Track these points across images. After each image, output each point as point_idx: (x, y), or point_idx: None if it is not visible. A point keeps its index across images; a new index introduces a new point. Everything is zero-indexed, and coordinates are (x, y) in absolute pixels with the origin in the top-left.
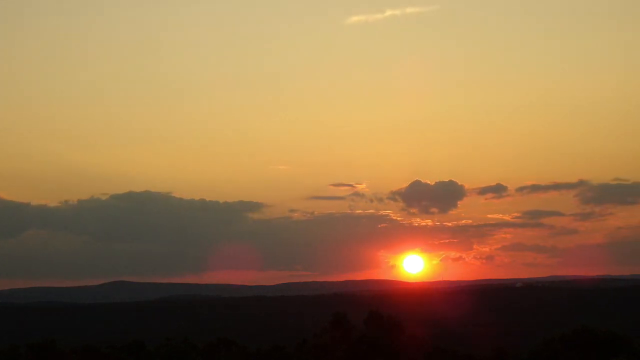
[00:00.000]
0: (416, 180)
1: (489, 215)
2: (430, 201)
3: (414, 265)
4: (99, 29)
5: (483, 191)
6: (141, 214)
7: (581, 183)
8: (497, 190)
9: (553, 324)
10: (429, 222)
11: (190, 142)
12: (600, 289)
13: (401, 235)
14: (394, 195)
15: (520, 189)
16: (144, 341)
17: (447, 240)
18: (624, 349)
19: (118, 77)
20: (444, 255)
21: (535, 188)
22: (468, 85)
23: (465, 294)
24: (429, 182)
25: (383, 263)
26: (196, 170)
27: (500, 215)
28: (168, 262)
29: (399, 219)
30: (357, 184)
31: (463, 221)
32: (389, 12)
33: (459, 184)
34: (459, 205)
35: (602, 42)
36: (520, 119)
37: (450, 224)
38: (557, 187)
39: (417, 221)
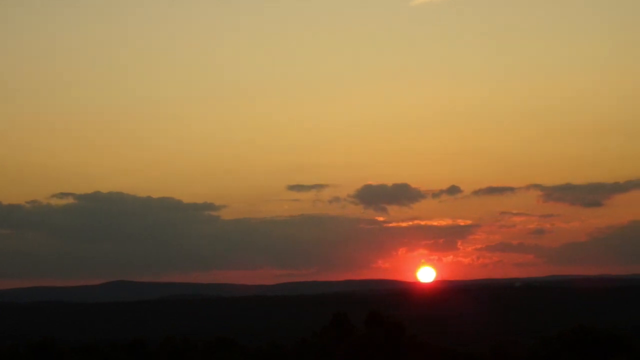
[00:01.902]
0: (367, 184)
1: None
2: (387, 202)
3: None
4: (55, 25)
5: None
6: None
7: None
8: (452, 192)
9: (552, 323)
10: (404, 224)
11: (158, 142)
12: (600, 289)
13: (383, 237)
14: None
15: (476, 192)
16: (145, 341)
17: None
18: (624, 349)
19: (93, 77)
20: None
21: (491, 190)
22: (432, 88)
23: (464, 293)
24: (386, 183)
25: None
26: (161, 169)
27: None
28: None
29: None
30: (319, 185)
31: (435, 222)
32: None
33: (413, 186)
34: (413, 207)
35: (555, 49)
36: (471, 123)
37: (423, 224)
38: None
39: (395, 222)
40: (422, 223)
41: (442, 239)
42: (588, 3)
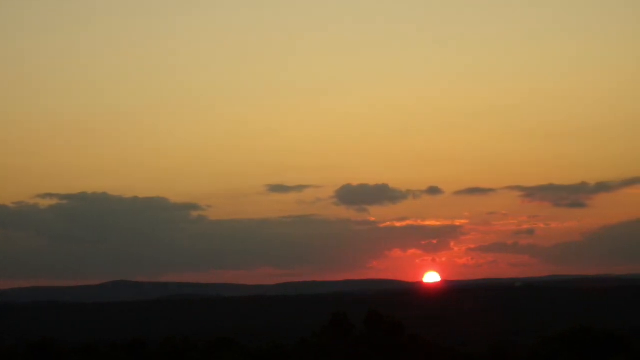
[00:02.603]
0: (347, 184)
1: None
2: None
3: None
4: (39, 27)
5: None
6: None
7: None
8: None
9: (552, 323)
10: (398, 224)
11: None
12: (600, 289)
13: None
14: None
15: (457, 193)
16: (145, 341)
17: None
18: (623, 349)
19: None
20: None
21: (472, 191)
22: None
23: (463, 293)
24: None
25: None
26: (147, 169)
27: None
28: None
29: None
30: (301, 185)
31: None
32: None
33: (392, 187)
34: (395, 207)
35: (531, 49)
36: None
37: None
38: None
39: (388, 223)
40: (413, 223)
41: (435, 240)
42: (557, 3)
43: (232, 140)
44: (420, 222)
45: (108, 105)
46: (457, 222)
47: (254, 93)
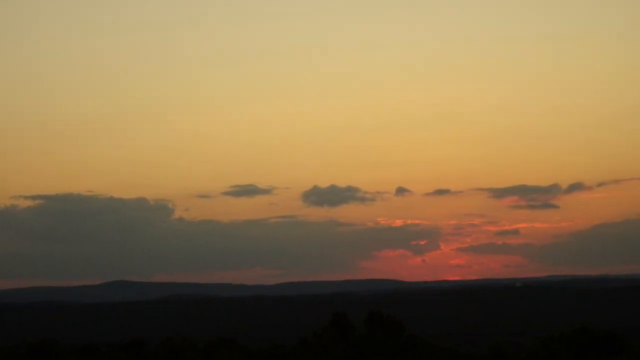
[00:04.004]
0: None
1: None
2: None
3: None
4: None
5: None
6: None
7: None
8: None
9: (552, 323)
10: (383, 223)
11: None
12: (600, 289)
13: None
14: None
15: (427, 194)
16: (145, 341)
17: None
18: (623, 349)
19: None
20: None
21: (441, 192)
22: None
23: (464, 293)
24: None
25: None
26: (128, 170)
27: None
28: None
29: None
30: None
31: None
32: None
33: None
34: (374, 208)
35: (496, 51)
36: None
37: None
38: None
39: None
40: (392, 224)
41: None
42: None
43: (197, 144)
44: (399, 223)
45: (91, 106)
46: (440, 224)
47: (226, 98)
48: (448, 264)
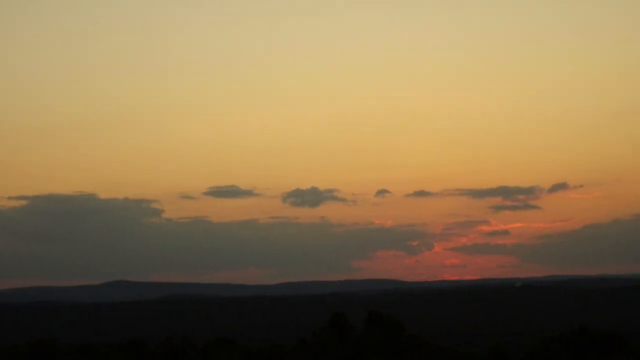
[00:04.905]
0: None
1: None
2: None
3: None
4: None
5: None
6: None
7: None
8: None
9: (552, 323)
10: (376, 222)
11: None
12: (600, 289)
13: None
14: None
15: (407, 195)
16: (144, 341)
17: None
18: (623, 349)
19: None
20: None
21: (421, 193)
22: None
23: (463, 293)
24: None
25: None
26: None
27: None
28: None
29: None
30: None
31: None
32: None
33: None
34: (356, 209)
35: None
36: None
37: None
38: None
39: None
40: (378, 225)
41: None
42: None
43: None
44: (390, 224)
45: (77, 106)
46: (429, 224)
47: (208, 104)
48: (443, 264)
